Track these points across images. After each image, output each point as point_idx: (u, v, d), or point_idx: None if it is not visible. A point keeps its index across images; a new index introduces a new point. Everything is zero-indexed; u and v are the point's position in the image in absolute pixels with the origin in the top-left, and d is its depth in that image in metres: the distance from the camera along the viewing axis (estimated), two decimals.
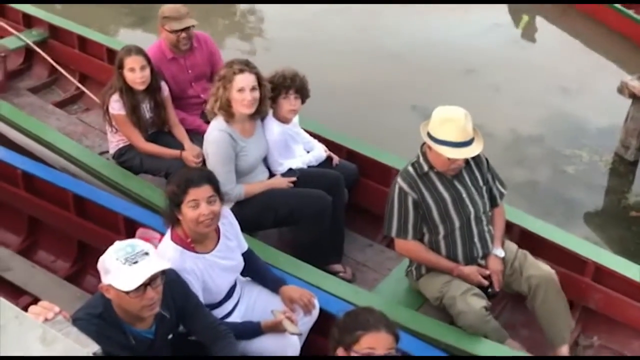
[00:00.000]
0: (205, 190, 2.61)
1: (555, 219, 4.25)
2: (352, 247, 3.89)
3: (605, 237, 4.59)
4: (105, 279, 2.30)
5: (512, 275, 3.21)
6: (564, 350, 3.13)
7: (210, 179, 2.68)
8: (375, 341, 2.14)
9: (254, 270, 3.01)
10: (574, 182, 5.12)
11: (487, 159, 3.27)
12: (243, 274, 2.99)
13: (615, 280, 3.34)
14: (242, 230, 3.01)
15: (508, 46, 7.06)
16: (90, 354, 1.65)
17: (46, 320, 1.89)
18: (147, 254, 2.29)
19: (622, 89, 5.05)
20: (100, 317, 2.33)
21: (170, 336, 2.55)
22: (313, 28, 7.12)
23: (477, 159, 3.20)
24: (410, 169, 3.13)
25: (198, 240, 2.71)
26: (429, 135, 3.02)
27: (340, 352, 2.19)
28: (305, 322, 2.89)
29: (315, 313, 2.92)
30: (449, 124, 2.96)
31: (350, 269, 3.73)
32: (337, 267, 3.66)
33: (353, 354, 2.15)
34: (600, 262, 3.37)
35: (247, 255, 2.96)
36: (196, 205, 2.59)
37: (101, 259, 2.32)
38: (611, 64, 6.77)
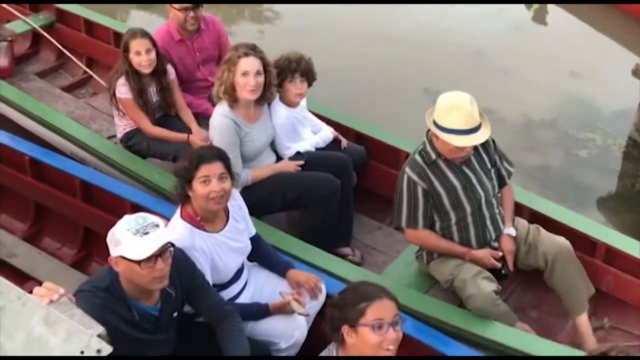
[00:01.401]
0: (216, 167, 2.64)
1: (568, 204, 4.20)
2: (361, 230, 3.88)
3: (619, 221, 4.54)
4: (115, 251, 2.31)
5: (527, 252, 3.19)
6: (584, 319, 3.11)
7: (222, 156, 2.71)
8: (381, 310, 2.10)
9: (262, 254, 3.01)
10: (587, 166, 5.06)
11: (493, 140, 3.22)
12: (250, 258, 2.98)
13: (626, 262, 3.31)
14: (251, 214, 3.00)
15: (515, 30, 6.95)
16: (95, 335, 1.63)
17: (51, 302, 1.87)
18: (157, 225, 2.31)
19: (637, 72, 4.98)
20: (106, 291, 2.34)
21: (175, 314, 2.55)
22: (322, 13, 7.04)
23: (484, 142, 3.13)
24: (418, 157, 3.08)
25: (208, 219, 2.72)
26: (435, 124, 2.97)
27: (346, 330, 2.14)
28: (313, 306, 2.88)
29: (322, 297, 2.90)
30: (455, 112, 2.91)
31: (359, 251, 3.72)
32: (346, 250, 3.65)
33: (361, 328, 2.10)
34: (611, 243, 3.35)
35: (255, 240, 2.96)
36: (207, 181, 2.62)
37: (111, 231, 2.33)
38: (624, 47, 6.64)
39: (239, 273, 2.87)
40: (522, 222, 3.30)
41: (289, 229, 3.56)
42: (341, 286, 2.90)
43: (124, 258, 2.28)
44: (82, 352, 1.55)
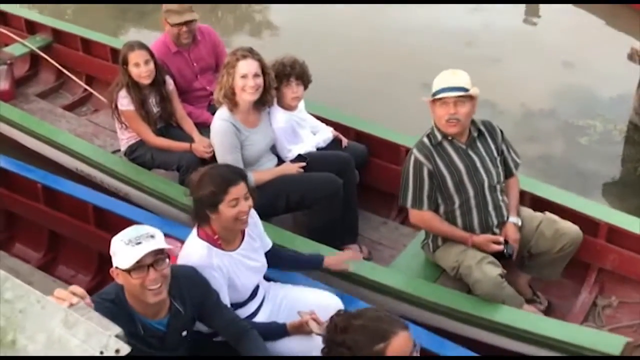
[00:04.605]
0: (242, 187, 2.62)
1: (572, 192, 4.19)
2: (367, 227, 3.91)
3: (623, 206, 4.53)
4: (114, 262, 2.32)
5: (537, 240, 3.23)
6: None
7: (243, 175, 2.69)
8: (400, 347, 1.95)
9: (288, 259, 3.04)
10: (589, 153, 5.08)
11: (501, 130, 3.28)
12: (279, 267, 3.00)
13: (629, 240, 3.36)
14: None
15: (507, 21, 7.01)
16: (113, 336, 1.65)
17: (71, 305, 1.90)
18: (152, 236, 2.30)
19: (633, 56, 5.01)
20: (112, 302, 2.33)
21: (184, 333, 2.51)
22: (317, 16, 7.11)
23: (491, 130, 3.23)
24: (425, 139, 3.15)
25: (226, 238, 2.70)
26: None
27: None
28: None
29: None
30: (441, 75, 3.06)
31: (366, 248, 3.74)
32: (353, 247, 3.66)
33: None
34: (613, 222, 3.39)
35: (274, 250, 2.96)
36: (237, 203, 2.59)
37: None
38: (617, 33, 6.69)
39: (255, 291, 2.84)
40: (529, 212, 3.32)
41: (296, 230, 3.57)
42: (359, 304, 2.87)
43: (120, 269, 2.28)
44: (101, 352, 1.58)
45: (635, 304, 3.30)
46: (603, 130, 5.29)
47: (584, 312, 3.30)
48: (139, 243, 2.26)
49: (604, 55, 6.08)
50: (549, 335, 2.86)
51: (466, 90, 3.00)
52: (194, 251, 2.64)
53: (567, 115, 5.46)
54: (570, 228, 3.21)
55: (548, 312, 3.35)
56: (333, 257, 3.08)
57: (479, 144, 3.17)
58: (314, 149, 3.73)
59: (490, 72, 5.90)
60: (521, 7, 7.41)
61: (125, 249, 2.26)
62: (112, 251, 2.32)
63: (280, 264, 3.01)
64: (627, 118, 5.30)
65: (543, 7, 7.42)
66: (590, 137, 5.22)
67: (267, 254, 2.92)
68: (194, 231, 2.72)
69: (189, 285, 2.47)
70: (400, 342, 1.95)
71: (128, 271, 2.25)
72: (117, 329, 1.71)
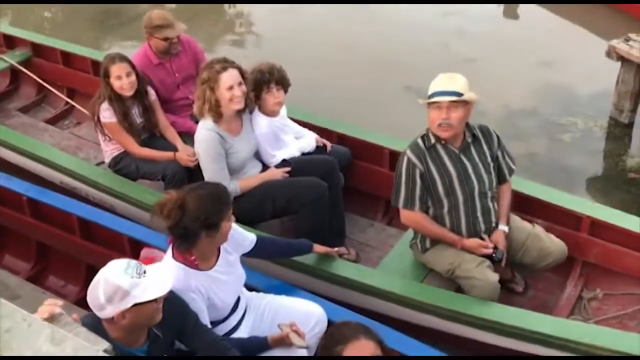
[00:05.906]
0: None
1: (557, 188, 4.24)
2: (354, 229, 3.92)
3: (607, 201, 4.59)
4: (125, 303, 2.22)
5: (523, 254, 3.24)
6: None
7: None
8: (357, 351, 2.04)
9: (277, 247, 3.09)
10: (572, 149, 5.14)
11: (498, 136, 3.27)
12: (269, 257, 3.05)
13: (611, 232, 3.40)
14: (243, 223, 3.01)
15: (484, 23, 7.07)
16: (101, 350, 1.65)
17: (52, 316, 1.88)
18: (140, 263, 2.31)
19: (610, 53, 5.06)
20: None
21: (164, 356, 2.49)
22: (296, 20, 7.14)
23: (487, 135, 3.22)
24: (420, 141, 3.16)
25: (202, 257, 2.64)
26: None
27: None
28: (315, 334, 2.78)
29: (323, 326, 2.82)
30: (438, 79, 3.07)
31: (354, 250, 3.76)
32: (341, 249, 3.66)
33: None
34: (595, 216, 3.43)
35: (262, 242, 2.95)
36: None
37: (106, 289, 2.24)
38: (592, 32, 6.77)
39: (236, 304, 2.80)
40: (518, 222, 3.32)
41: (284, 236, 3.60)
42: (344, 312, 2.89)
43: (139, 304, 2.22)
44: None
45: (620, 296, 3.34)
46: (584, 127, 5.35)
47: (570, 306, 3.33)
48: (145, 271, 2.26)
49: (582, 53, 6.16)
50: (539, 330, 2.86)
51: (460, 95, 2.98)
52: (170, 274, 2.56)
53: (548, 114, 5.52)
54: (555, 247, 3.21)
55: (525, 292, 3.43)
56: (322, 247, 3.22)
57: (472, 150, 3.17)
58: (299, 154, 3.74)
59: (471, 72, 5.85)
60: (499, 8, 7.49)
61: (144, 282, 2.23)
62: (120, 293, 2.20)
63: (271, 253, 3.03)
64: (608, 114, 5.36)
65: (521, 8, 7.50)
66: (572, 134, 5.28)
67: (255, 248, 2.92)
68: (169, 253, 2.65)
69: (167, 310, 2.41)
70: (357, 347, 2.04)
71: (155, 299, 2.26)
72: (105, 344, 1.70)
